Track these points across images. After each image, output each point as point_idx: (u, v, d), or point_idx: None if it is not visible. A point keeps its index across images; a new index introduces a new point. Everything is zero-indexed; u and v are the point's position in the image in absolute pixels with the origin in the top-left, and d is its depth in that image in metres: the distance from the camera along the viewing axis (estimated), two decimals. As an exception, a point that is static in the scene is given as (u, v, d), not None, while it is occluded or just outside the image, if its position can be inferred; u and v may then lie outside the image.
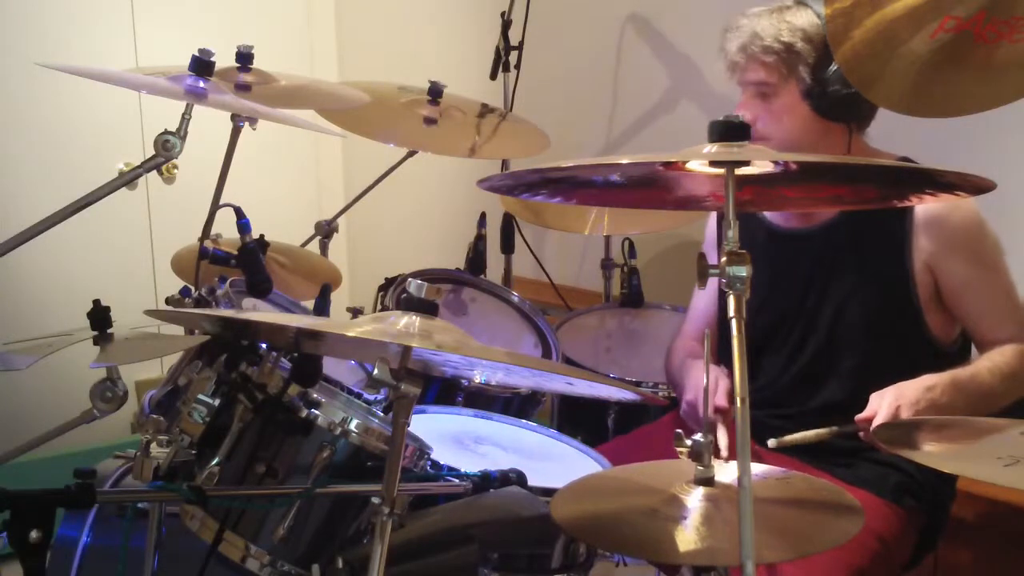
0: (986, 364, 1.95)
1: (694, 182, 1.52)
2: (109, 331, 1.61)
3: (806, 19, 1.97)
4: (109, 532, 1.86)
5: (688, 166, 1.41)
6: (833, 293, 2.05)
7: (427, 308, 1.39)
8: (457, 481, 1.71)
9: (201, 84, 1.93)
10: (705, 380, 1.51)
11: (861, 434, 1.85)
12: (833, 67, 1.93)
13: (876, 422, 1.80)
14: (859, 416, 1.84)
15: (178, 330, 1.89)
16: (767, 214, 2.12)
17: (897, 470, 2.00)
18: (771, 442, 1.88)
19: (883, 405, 1.82)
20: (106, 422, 1.63)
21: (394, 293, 2.55)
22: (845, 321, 2.04)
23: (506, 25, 3.20)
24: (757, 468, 1.58)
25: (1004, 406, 1.93)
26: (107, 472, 1.90)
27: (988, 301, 1.99)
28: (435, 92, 2.73)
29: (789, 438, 1.89)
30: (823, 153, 1.99)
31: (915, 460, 1.55)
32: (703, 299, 2.28)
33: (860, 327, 2.03)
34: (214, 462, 1.54)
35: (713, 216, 2.28)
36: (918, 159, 1.93)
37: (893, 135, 2.06)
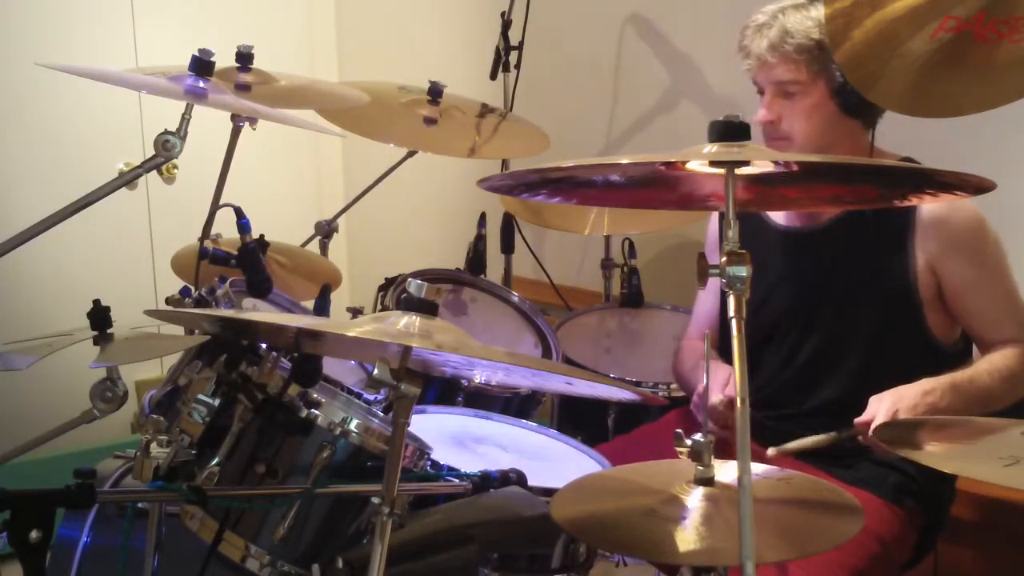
0: (985, 367, 1.95)
1: (695, 182, 1.52)
2: (109, 331, 1.61)
3: None
4: (109, 532, 1.86)
5: (688, 166, 1.41)
6: (834, 293, 2.05)
7: (427, 308, 1.39)
8: (457, 481, 1.71)
9: (201, 84, 1.92)
10: (706, 380, 1.52)
11: (860, 438, 1.85)
12: None
13: (874, 427, 1.80)
14: (858, 420, 1.84)
15: (178, 330, 1.89)
16: (769, 213, 2.12)
17: (896, 471, 2.00)
18: (771, 451, 1.88)
19: (881, 410, 1.82)
20: (106, 422, 1.63)
21: (394, 293, 2.55)
22: (846, 321, 2.04)
23: (506, 25, 3.20)
24: (757, 468, 1.58)
25: (1003, 407, 1.94)
26: (107, 472, 1.90)
27: (989, 302, 1.99)
28: (435, 92, 2.73)
29: (789, 446, 1.89)
30: (844, 151, 1.99)
31: (916, 460, 1.55)
32: (708, 299, 2.29)
33: (861, 327, 2.03)
34: (214, 462, 1.54)
35: (715, 216, 2.28)
36: (919, 159, 1.93)
37: (893, 135, 2.05)
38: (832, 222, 2.05)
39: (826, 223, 2.06)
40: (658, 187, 1.58)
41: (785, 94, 1.99)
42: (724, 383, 1.98)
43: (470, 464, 1.78)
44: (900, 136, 2.04)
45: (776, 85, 1.99)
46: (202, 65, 1.93)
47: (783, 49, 1.95)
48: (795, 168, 1.41)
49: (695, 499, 1.44)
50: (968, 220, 1.96)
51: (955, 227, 1.96)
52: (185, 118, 1.85)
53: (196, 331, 1.74)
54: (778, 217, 2.12)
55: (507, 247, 3.20)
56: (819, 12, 1.95)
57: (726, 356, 2.03)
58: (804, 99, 1.97)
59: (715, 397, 1.95)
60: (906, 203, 1.87)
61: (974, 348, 2.08)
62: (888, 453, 1.80)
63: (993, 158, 2.47)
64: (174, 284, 2.28)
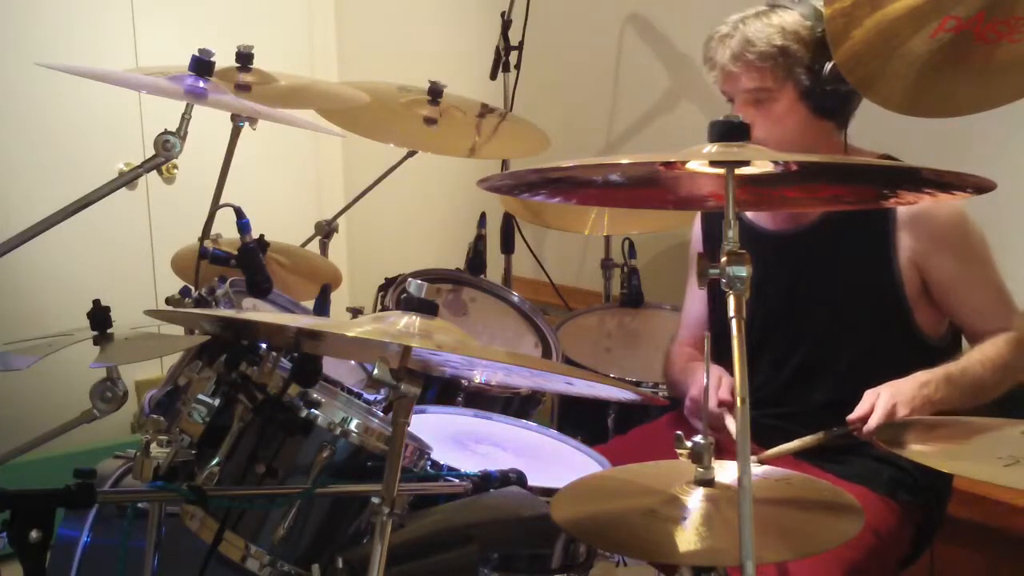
0: (977, 356, 1.95)
1: (694, 182, 1.52)
2: (109, 331, 1.61)
3: (793, 20, 1.95)
4: (109, 532, 1.86)
5: (688, 166, 1.41)
6: (820, 294, 2.06)
7: (427, 308, 1.39)
8: (457, 481, 1.71)
9: (201, 84, 1.92)
10: (706, 381, 1.52)
11: (856, 433, 1.85)
12: (829, 65, 1.92)
13: (873, 420, 1.81)
14: (852, 415, 1.84)
15: (178, 330, 1.89)
16: (751, 215, 2.12)
17: (891, 465, 2.00)
18: (754, 459, 1.88)
19: (879, 403, 1.82)
20: (106, 422, 1.63)
21: (394, 293, 2.55)
22: (833, 321, 2.05)
23: (506, 25, 3.20)
24: (757, 468, 1.58)
25: (997, 396, 1.94)
26: (107, 472, 1.90)
27: (977, 294, 2.00)
28: (435, 92, 2.73)
29: (774, 451, 1.89)
30: (819, 152, 1.99)
31: (915, 460, 1.55)
32: (695, 304, 2.29)
33: (849, 327, 2.04)
34: (214, 462, 1.54)
35: (698, 218, 2.28)
36: (919, 159, 1.93)
37: (892, 135, 2.05)
38: (816, 223, 2.06)
39: (809, 225, 2.07)
40: (658, 187, 1.58)
41: (755, 102, 1.99)
42: (716, 384, 1.98)
43: (470, 464, 1.78)
44: (899, 136, 2.04)
45: (744, 93, 2.00)
46: (202, 65, 1.93)
47: (746, 58, 1.96)
48: (794, 168, 1.42)
49: (695, 500, 1.44)
50: (950, 215, 1.97)
51: (937, 222, 1.96)
52: (185, 118, 1.85)
53: (196, 331, 1.74)
54: (761, 220, 2.13)
55: (507, 247, 3.20)
56: (780, 19, 1.97)
57: (721, 360, 2.02)
58: (773, 105, 1.98)
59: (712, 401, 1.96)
60: (905, 203, 1.88)
61: (963, 342, 2.08)
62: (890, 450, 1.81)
63: (993, 158, 2.47)
64: (174, 284, 2.28)
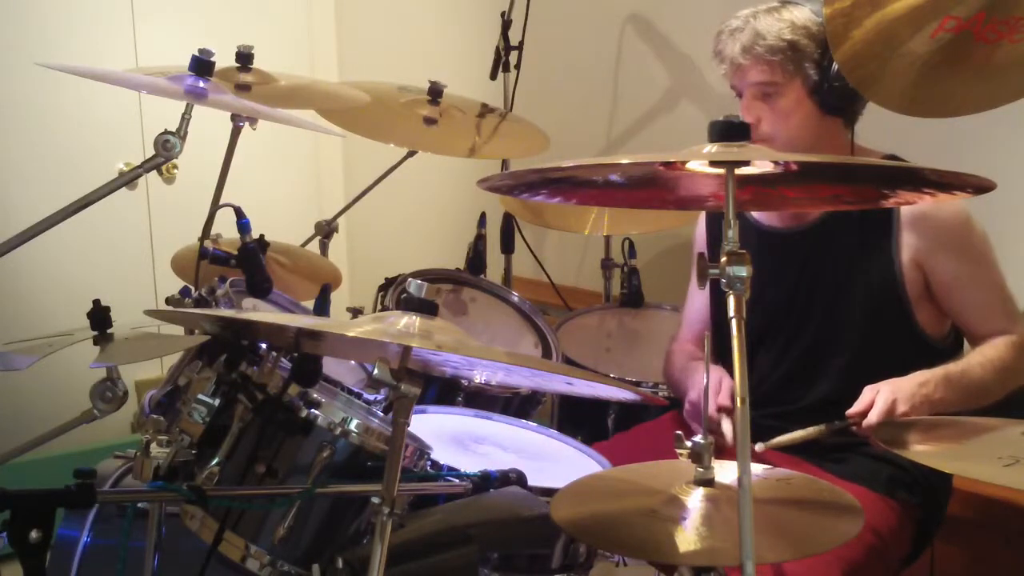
0: (977, 359, 1.96)
1: (694, 182, 1.52)
2: (109, 331, 1.61)
3: (805, 16, 1.96)
4: (109, 532, 1.86)
5: (688, 166, 1.41)
6: (821, 292, 2.06)
7: (427, 308, 1.39)
8: (457, 481, 1.71)
9: (201, 84, 1.92)
10: (706, 380, 1.52)
11: (854, 428, 1.85)
12: None
13: (872, 416, 1.81)
14: (851, 410, 1.85)
15: (178, 330, 1.89)
16: (755, 213, 2.12)
17: (890, 464, 2.01)
18: (759, 446, 1.88)
19: (879, 400, 1.82)
20: (106, 422, 1.63)
21: (394, 293, 2.55)
22: (834, 320, 2.05)
23: (506, 25, 3.20)
24: (757, 468, 1.58)
25: (997, 399, 1.94)
26: (107, 472, 1.90)
27: (978, 295, 2.00)
28: (435, 92, 2.73)
29: (777, 440, 1.89)
30: (826, 150, 2.00)
31: (916, 460, 1.55)
32: (697, 303, 2.29)
33: (850, 325, 2.04)
34: (214, 462, 1.54)
35: (702, 217, 2.29)
36: (919, 159, 1.93)
37: (893, 135, 2.05)
38: (817, 222, 2.06)
39: (811, 223, 2.07)
40: (658, 187, 1.58)
41: (763, 96, 2.00)
42: (715, 388, 1.98)
43: (470, 464, 1.78)
44: (899, 136, 2.04)
45: (753, 87, 2.00)
46: (202, 65, 1.93)
47: (755, 51, 1.97)
48: (794, 168, 1.42)
49: (695, 500, 1.44)
50: (954, 215, 1.97)
51: (941, 222, 1.97)
52: (185, 118, 1.85)
53: (196, 331, 1.74)
54: (762, 217, 2.13)
55: (507, 247, 3.20)
56: (791, 14, 1.98)
57: (722, 359, 2.02)
58: (781, 100, 1.98)
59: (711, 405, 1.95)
60: (905, 203, 1.88)
61: (965, 343, 2.08)
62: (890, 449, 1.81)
63: (993, 158, 2.47)
64: (174, 284, 2.28)
